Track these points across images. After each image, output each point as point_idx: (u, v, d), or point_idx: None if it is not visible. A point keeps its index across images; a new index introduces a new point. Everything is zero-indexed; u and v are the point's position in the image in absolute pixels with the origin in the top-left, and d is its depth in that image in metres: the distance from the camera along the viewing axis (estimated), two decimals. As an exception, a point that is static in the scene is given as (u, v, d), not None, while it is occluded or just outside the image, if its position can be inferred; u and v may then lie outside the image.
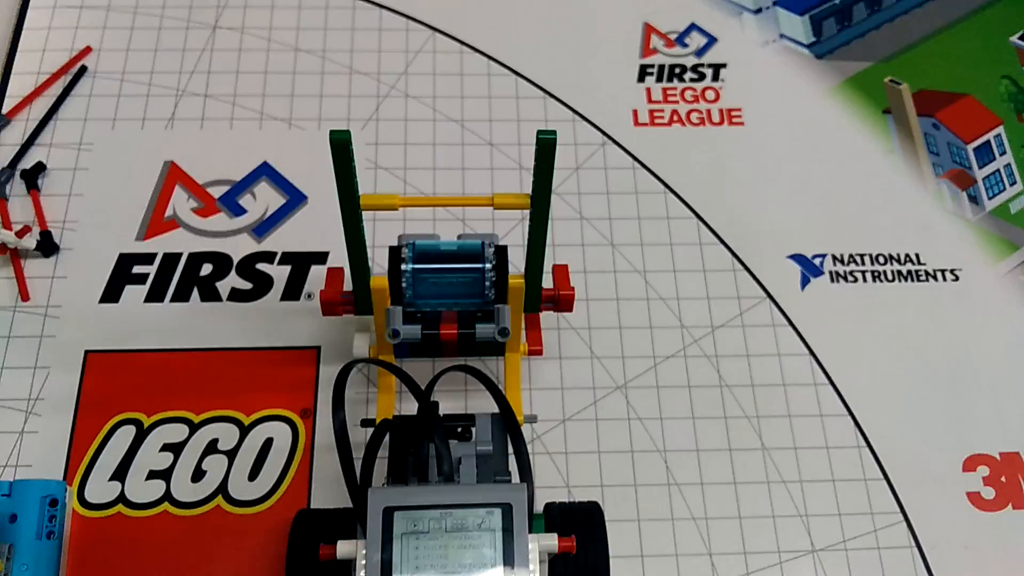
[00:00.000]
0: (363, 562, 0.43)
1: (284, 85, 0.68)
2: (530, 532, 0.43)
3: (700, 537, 0.54)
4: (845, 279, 0.63)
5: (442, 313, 0.50)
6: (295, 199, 0.63)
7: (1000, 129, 0.70)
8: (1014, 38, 0.74)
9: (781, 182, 0.66)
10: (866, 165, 0.67)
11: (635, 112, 0.68)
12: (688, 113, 0.68)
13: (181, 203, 0.63)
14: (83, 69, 0.67)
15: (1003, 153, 0.69)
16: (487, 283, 0.49)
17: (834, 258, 0.64)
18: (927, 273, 0.64)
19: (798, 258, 0.63)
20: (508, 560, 0.42)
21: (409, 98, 0.68)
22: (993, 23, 0.75)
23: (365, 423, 0.52)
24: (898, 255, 0.64)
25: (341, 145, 0.43)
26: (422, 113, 0.68)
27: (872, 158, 0.68)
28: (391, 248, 0.49)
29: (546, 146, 0.43)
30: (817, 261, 0.63)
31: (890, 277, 0.63)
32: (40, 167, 0.63)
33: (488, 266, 0.49)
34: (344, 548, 0.44)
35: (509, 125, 0.66)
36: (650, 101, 0.69)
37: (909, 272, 0.64)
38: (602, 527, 0.49)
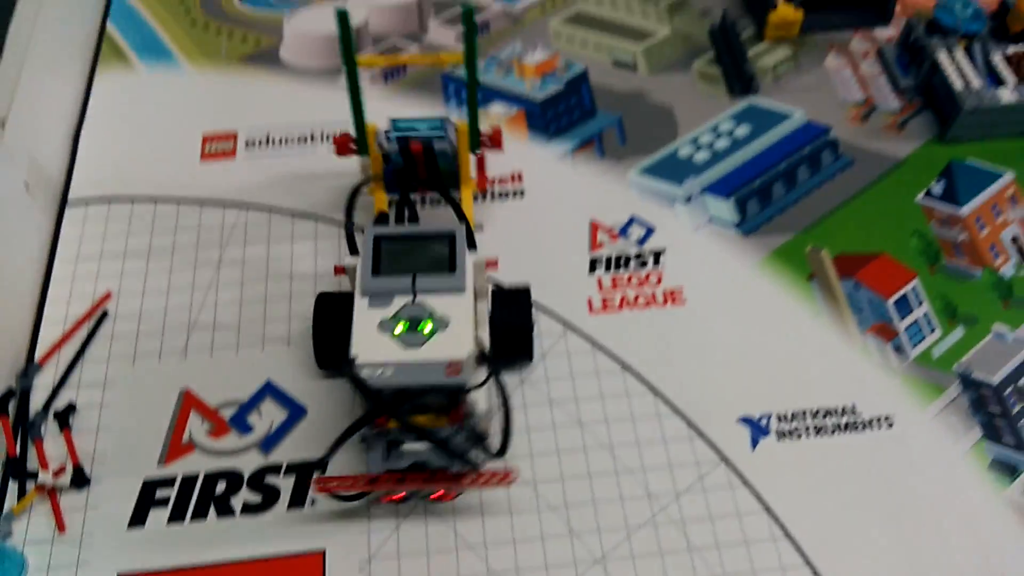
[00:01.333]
0: (361, 266, 0.65)
1: (282, 309, 0.77)
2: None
3: None
4: (789, 436, 0.70)
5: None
6: (296, 412, 0.71)
7: (916, 282, 0.79)
8: (919, 198, 0.84)
9: (724, 351, 0.74)
10: (797, 328, 0.76)
11: (589, 300, 0.77)
12: (636, 297, 0.77)
13: (196, 427, 0.71)
14: (104, 315, 0.77)
15: (920, 304, 0.77)
16: (445, 132, 0.76)
17: (778, 417, 0.71)
18: (863, 423, 0.71)
19: (746, 420, 0.71)
20: (452, 264, 0.65)
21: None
22: (899, 186, 0.85)
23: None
24: (835, 408, 0.71)
25: (343, 18, 0.68)
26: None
27: (802, 321, 0.76)
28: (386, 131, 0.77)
29: (467, 15, 0.68)
30: (763, 422, 0.71)
31: (830, 430, 0.70)
32: (71, 408, 0.71)
33: (445, 126, 0.76)
34: (349, 261, 0.67)
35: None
36: (601, 289, 0.78)
37: (847, 423, 0.71)
38: (528, 299, 0.72)
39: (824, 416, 0.71)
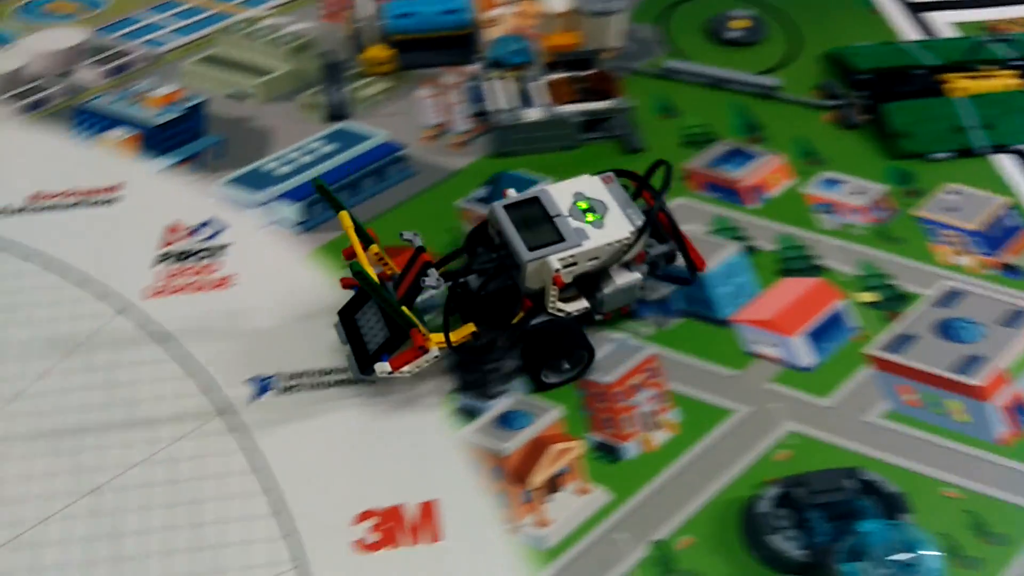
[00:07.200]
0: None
1: None
2: None
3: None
4: (290, 391, 0.82)
5: None
6: None
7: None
8: (458, 202, 1.00)
9: (254, 324, 0.87)
10: (319, 302, 0.89)
11: (149, 287, 0.90)
12: (191, 284, 0.90)
13: None
14: None
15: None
16: None
17: (286, 376, 0.84)
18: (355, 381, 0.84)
19: (256, 379, 0.83)
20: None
21: None
22: (447, 193, 1.00)
23: None
24: (337, 368, 0.84)
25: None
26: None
27: (329, 297, 0.89)
28: None
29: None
30: (272, 379, 0.83)
31: (328, 385, 0.83)
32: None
33: None
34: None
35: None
36: (162, 279, 0.91)
37: (342, 380, 0.83)
38: None
39: (326, 375, 0.84)
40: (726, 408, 0.84)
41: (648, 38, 1.19)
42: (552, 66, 1.07)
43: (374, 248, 0.83)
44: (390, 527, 0.75)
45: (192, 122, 1.05)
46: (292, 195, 0.99)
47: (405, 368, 0.78)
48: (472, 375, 0.84)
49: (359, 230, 0.82)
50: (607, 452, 0.80)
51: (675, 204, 1.00)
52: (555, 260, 0.77)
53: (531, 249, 0.78)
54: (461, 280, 0.82)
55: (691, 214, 0.99)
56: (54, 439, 0.79)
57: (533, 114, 1.01)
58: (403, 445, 0.80)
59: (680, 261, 0.86)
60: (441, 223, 0.97)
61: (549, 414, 0.83)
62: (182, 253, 0.92)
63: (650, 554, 0.74)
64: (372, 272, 0.75)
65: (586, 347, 0.83)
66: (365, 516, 0.75)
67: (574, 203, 0.81)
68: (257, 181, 1.00)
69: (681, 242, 0.86)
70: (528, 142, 1.03)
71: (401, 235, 0.83)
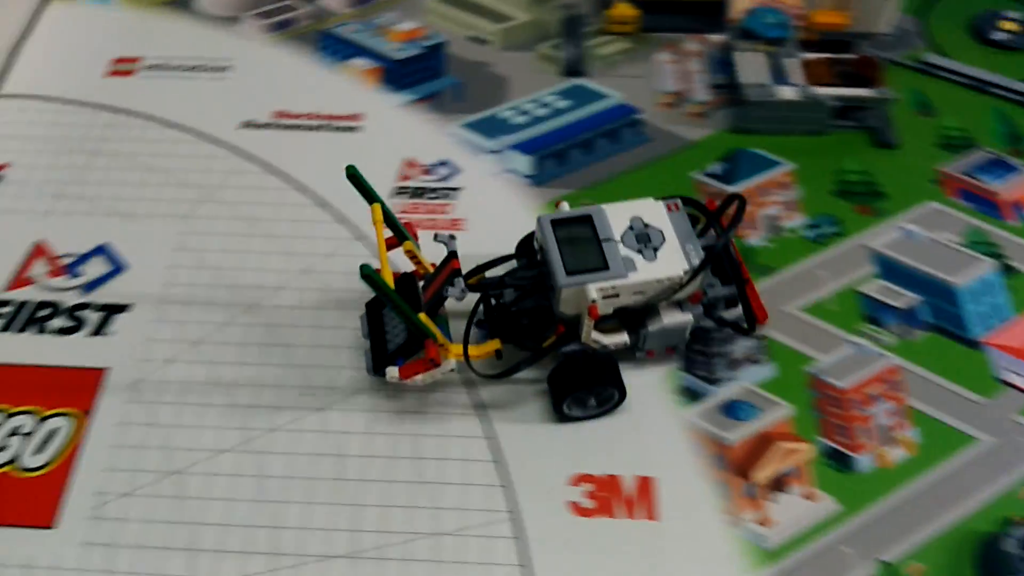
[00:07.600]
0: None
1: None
2: None
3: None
4: (513, 342, 0.82)
5: None
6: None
7: (667, 240, 0.90)
8: (694, 174, 0.96)
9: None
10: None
11: (384, 219, 0.91)
12: (424, 221, 0.91)
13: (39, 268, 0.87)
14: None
15: (665, 257, 0.89)
16: None
17: (509, 327, 0.83)
18: (580, 341, 0.82)
19: (480, 326, 0.83)
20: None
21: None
22: (683, 163, 0.97)
23: None
24: (559, 327, 0.83)
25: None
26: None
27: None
28: None
29: None
30: (495, 329, 0.83)
31: (549, 343, 0.82)
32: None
33: None
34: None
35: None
36: (400, 213, 0.91)
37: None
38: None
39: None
40: (970, 435, 0.78)
41: (907, 28, 1.11)
42: (807, 44, 1.01)
43: (407, 245, 0.77)
44: (606, 496, 0.74)
45: (432, 61, 1.06)
46: (524, 147, 0.98)
47: (417, 378, 0.73)
48: (699, 356, 0.82)
49: (394, 226, 0.77)
50: (838, 460, 0.76)
51: (925, 207, 0.93)
52: (593, 289, 0.69)
53: (569, 273, 0.70)
54: (495, 292, 0.76)
55: (943, 221, 0.92)
56: (286, 352, 0.82)
57: (786, 92, 0.96)
58: (624, 415, 0.78)
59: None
60: (675, 191, 0.94)
61: (777, 410, 0.79)
62: (418, 189, 0.93)
63: (877, 574, 0.70)
64: (389, 276, 0.70)
65: (617, 385, 0.75)
66: (582, 480, 0.75)
67: (629, 228, 0.73)
68: (492, 128, 0.99)
69: (743, 288, 0.76)
70: (773, 121, 0.97)
71: (435, 236, 0.78)
